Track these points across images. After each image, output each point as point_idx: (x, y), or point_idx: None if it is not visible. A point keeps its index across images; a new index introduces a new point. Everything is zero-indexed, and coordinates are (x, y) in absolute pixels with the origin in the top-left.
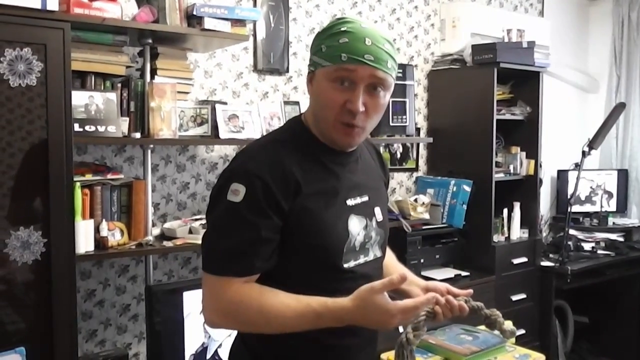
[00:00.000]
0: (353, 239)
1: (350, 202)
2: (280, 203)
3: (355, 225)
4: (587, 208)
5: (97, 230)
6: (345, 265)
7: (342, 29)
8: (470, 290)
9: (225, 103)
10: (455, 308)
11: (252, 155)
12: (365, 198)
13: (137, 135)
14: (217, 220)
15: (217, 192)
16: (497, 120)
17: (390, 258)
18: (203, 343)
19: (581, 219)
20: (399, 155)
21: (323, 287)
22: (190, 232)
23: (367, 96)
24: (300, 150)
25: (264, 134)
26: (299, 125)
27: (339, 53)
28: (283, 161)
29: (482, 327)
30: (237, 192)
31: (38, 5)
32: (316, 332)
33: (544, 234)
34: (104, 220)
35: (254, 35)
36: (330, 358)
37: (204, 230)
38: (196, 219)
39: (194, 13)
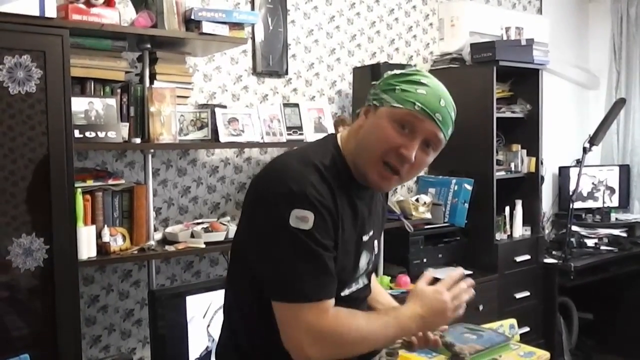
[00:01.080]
0: (359, 273)
1: (364, 237)
2: (333, 235)
3: (363, 261)
4: (590, 204)
5: (99, 235)
6: (342, 294)
7: (422, 80)
8: (446, 327)
9: (224, 106)
10: (430, 341)
11: (307, 179)
12: (371, 232)
13: (138, 140)
14: (289, 248)
15: (276, 219)
16: (498, 118)
17: (382, 292)
18: (207, 347)
19: (583, 215)
20: None
21: None
22: (192, 236)
23: (419, 150)
24: (338, 180)
25: (264, 136)
26: (337, 151)
27: (414, 100)
28: (334, 195)
29: (486, 325)
30: (306, 219)
31: (37, 13)
32: None
33: (547, 231)
34: (105, 225)
35: (253, 38)
36: None
37: (270, 263)
38: (198, 223)
39: (192, 17)
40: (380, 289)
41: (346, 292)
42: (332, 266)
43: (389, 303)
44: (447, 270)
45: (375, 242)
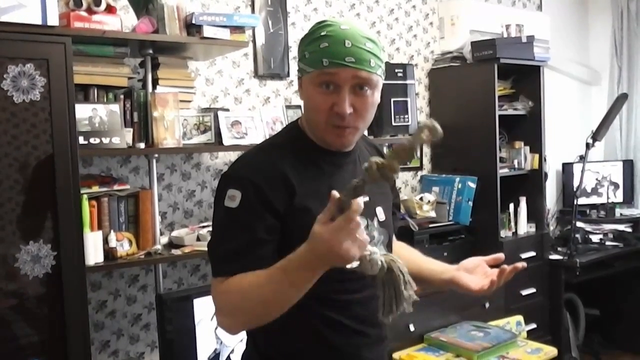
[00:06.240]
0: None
1: None
2: (274, 205)
3: None
4: (594, 200)
5: (105, 241)
6: (347, 265)
7: (322, 33)
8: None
9: (227, 110)
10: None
11: (246, 160)
12: (366, 198)
13: (142, 145)
14: (217, 226)
15: (216, 199)
16: (500, 115)
17: (413, 252)
18: (215, 349)
19: (588, 211)
20: None
21: (330, 288)
22: (198, 239)
23: (354, 96)
24: (295, 153)
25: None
26: (295, 129)
27: (321, 58)
28: (276, 164)
29: (493, 322)
30: (234, 198)
31: (39, 21)
32: (324, 331)
33: (551, 228)
34: (112, 231)
35: (254, 41)
36: (338, 358)
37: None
38: (203, 226)
39: (193, 22)
40: (420, 257)
41: (354, 264)
42: (254, 243)
43: (435, 267)
44: None
45: (379, 209)
